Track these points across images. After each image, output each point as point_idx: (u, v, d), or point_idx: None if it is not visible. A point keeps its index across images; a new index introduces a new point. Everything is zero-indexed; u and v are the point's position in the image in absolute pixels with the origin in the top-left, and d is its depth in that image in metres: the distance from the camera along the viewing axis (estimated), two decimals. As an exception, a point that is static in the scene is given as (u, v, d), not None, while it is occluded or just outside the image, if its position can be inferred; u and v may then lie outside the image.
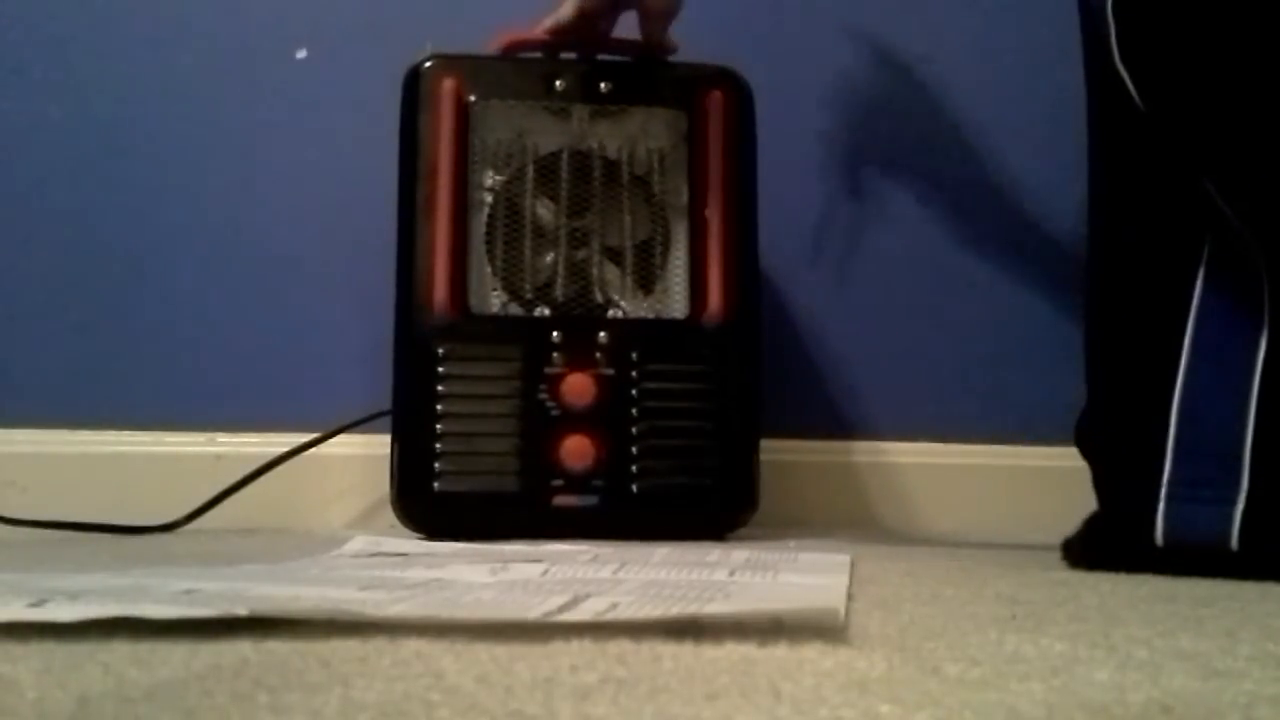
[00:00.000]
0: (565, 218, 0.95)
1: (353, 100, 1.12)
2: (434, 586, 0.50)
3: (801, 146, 1.17)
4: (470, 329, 0.92)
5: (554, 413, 0.91)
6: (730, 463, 0.93)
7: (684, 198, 0.96)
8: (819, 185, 1.17)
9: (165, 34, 1.13)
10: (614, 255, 0.96)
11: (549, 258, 0.95)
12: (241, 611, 0.39)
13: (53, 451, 1.07)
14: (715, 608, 0.42)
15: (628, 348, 0.92)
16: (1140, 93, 0.66)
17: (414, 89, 0.94)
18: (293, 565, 0.62)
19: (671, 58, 0.98)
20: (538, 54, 0.97)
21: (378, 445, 0.95)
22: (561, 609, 0.42)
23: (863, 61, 1.18)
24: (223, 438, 1.09)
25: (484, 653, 0.36)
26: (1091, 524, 0.72)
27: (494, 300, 0.94)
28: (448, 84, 0.94)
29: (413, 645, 0.37)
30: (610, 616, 0.40)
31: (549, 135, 0.96)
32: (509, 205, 0.95)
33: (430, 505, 0.90)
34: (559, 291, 0.94)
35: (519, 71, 0.96)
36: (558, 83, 0.96)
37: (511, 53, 0.97)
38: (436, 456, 0.89)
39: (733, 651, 0.37)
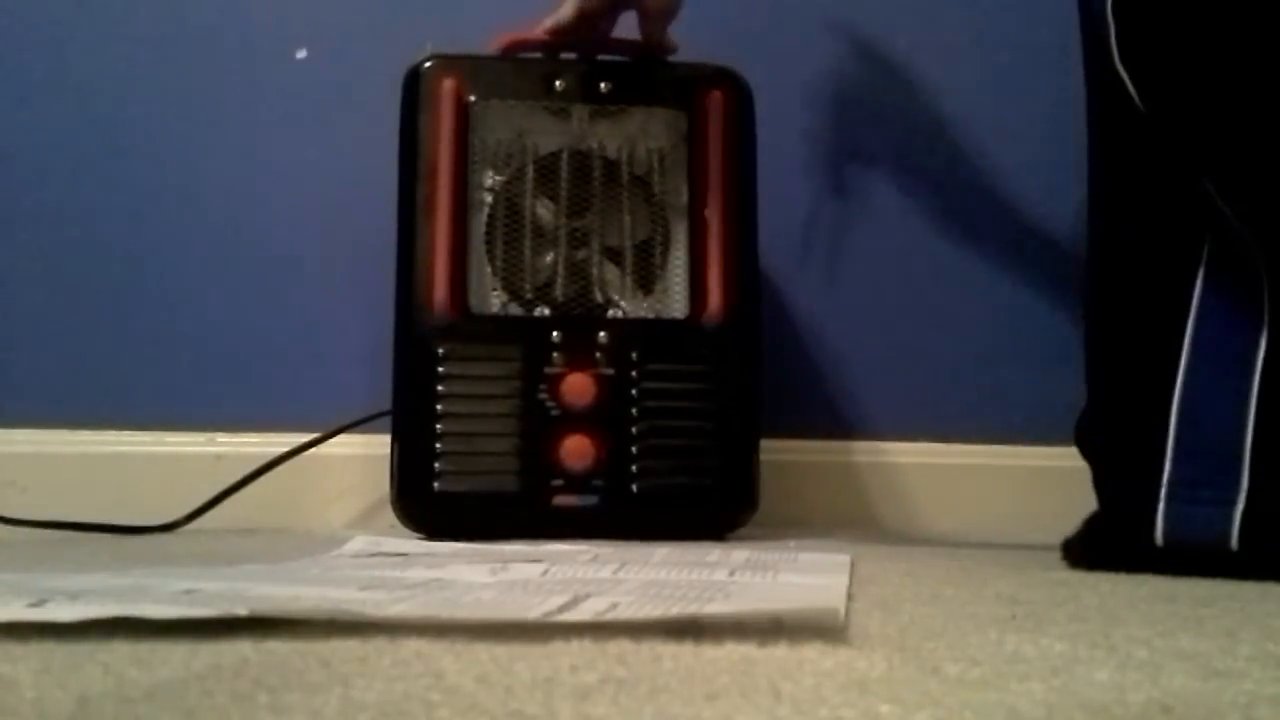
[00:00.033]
0: (565, 218, 0.95)
1: (353, 100, 1.12)
2: (434, 586, 0.50)
3: (802, 146, 1.17)
4: (470, 329, 0.92)
5: (554, 413, 0.91)
6: (730, 463, 0.93)
7: (684, 198, 0.96)
8: (818, 185, 1.17)
9: (165, 34, 1.13)
10: (614, 255, 0.96)
11: (549, 258, 0.95)
12: (241, 611, 0.39)
13: (53, 451, 1.07)
14: (715, 608, 0.42)
15: (628, 348, 0.92)
16: (1140, 93, 0.66)
17: (414, 89, 0.94)
18: (293, 565, 0.62)
19: (671, 58, 0.98)
20: (538, 54, 0.97)
21: (378, 445, 0.95)
22: (561, 609, 0.42)
23: (862, 62, 1.18)
24: (223, 438, 1.09)
25: (484, 653, 0.36)
26: (1091, 524, 0.72)
27: (494, 300, 0.94)
28: (448, 84, 0.94)
29: (413, 645, 0.37)
30: (610, 616, 0.40)
31: (549, 135, 0.96)
32: (509, 205, 0.95)
33: (430, 505, 0.90)
34: (559, 291, 0.94)
35: (519, 71, 0.96)
36: (558, 83, 0.96)
37: (511, 53, 0.97)
38: (436, 456, 0.89)
39: (733, 651, 0.37)
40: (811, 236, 1.17)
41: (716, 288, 0.94)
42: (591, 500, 0.90)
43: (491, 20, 0.97)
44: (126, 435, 1.09)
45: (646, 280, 0.96)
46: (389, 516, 0.92)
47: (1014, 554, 0.82)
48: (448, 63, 0.95)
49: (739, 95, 0.97)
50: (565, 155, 0.96)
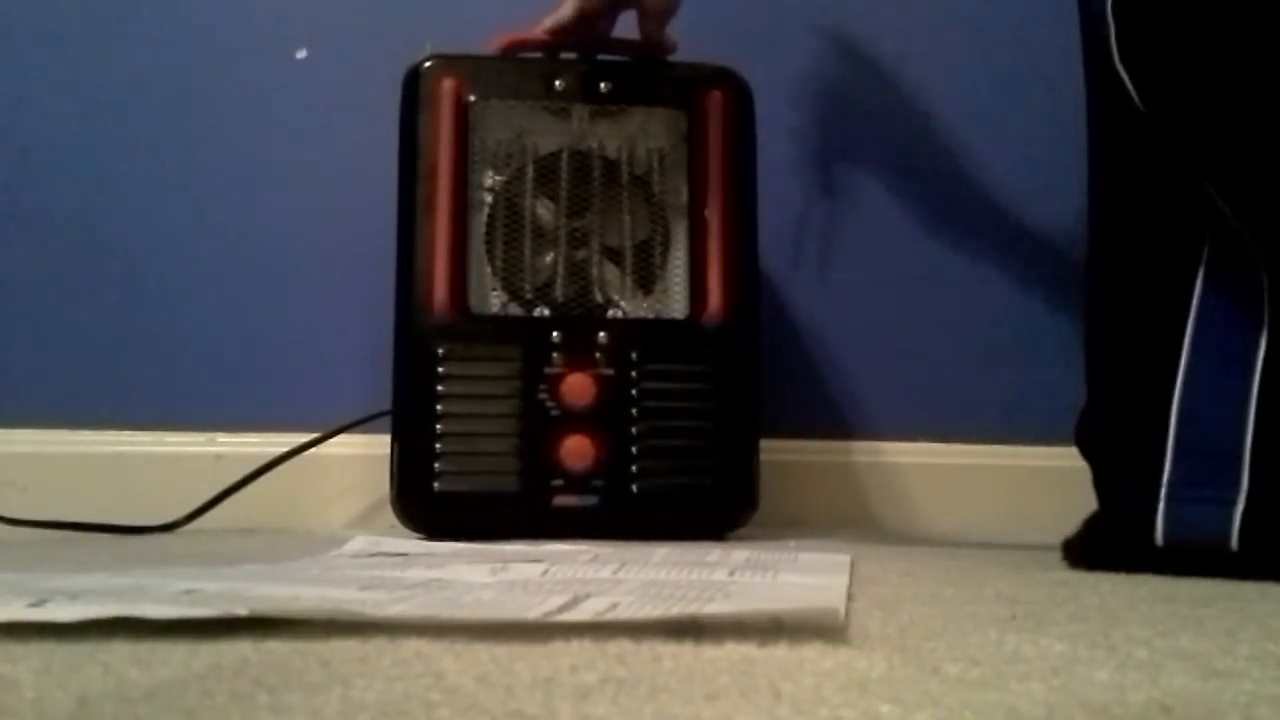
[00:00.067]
0: (565, 218, 0.95)
1: (353, 100, 1.12)
2: (434, 586, 0.50)
3: (802, 146, 1.17)
4: (470, 329, 0.92)
5: (554, 413, 0.91)
6: (730, 463, 0.93)
7: (684, 198, 0.96)
8: (818, 185, 1.17)
9: (165, 34, 1.13)
10: (614, 255, 0.96)
11: (549, 258, 0.95)
12: (241, 611, 0.39)
13: (53, 451, 1.07)
14: (715, 608, 0.42)
15: (628, 348, 0.92)
16: (1140, 93, 0.66)
17: (414, 89, 0.94)
18: (293, 565, 0.62)
19: (671, 57, 0.98)
20: (538, 54, 0.97)
21: (378, 445, 0.95)
22: (561, 609, 0.42)
23: (861, 61, 1.18)
24: (223, 438, 1.09)
25: (484, 653, 0.36)
26: (1091, 524, 0.72)
27: (494, 300, 0.94)
28: (447, 84, 0.94)
29: (413, 645, 0.37)
30: (610, 616, 0.40)
31: (549, 135, 0.96)
32: (509, 205, 0.95)
33: (430, 505, 0.90)
34: (559, 291, 0.94)
35: (519, 71, 0.96)
36: (557, 83, 0.96)
37: (511, 53, 0.97)
38: (436, 456, 0.89)
39: (733, 651, 0.37)
40: (808, 236, 1.17)
41: (716, 288, 0.94)
42: (591, 500, 0.90)
43: (491, 20, 0.97)
44: (126, 435, 1.09)
45: (646, 280, 0.96)
46: (389, 516, 0.92)
47: (1014, 554, 0.82)
48: (448, 63, 0.95)
49: (739, 95, 0.97)
50: (565, 155, 0.96)
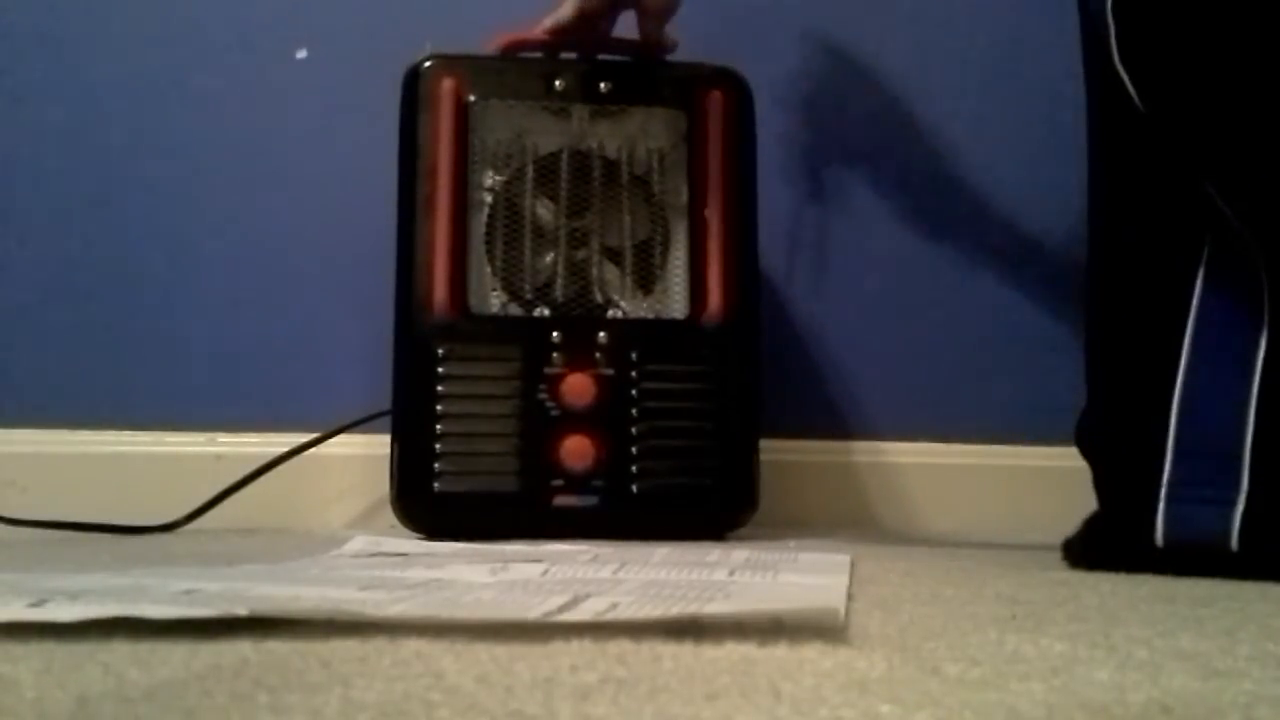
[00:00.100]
0: (565, 218, 0.95)
1: (353, 100, 1.12)
2: (434, 586, 0.50)
3: (802, 146, 1.17)
4: (470, 329, 0.92)
5: (554, 413, 0.91)
6: (730, 463, 0.93)
7: (684, 198, 0.96)
8: (817, 186, 1.17)
9: (165, 34, 1.13)
10: (614, 255, 0.96)
11: (549, 258, 0.95)
12: (241, 611, 0.39)
13: (53, 451, 1.07)
14: (715, 608, 0.42)
15: (627, 348, 0.92)
16: (1140, 94, 0.66)
17: (414, 89, 0.94)
18: (293, 565, 0.62)
19: (671, 57, 0.98)
20: (538, 54, 0.97)
21: (378, 445, 0.95)
22: (561, 609, 0.42)
23: (860, 61, 1.18)
24: (223, 438, 1.09)
25: (484, 653, 0.36)
26: (1091, 524, 0.72)
27: (494, 300, 0.94)
28: (447, 84, 0.94)
29: (413, 645, 0.37)
30: (610, 616, 0.40)
31: (549, 135, 0.96)
32: (509, 205, 0.95)
33: (430, 505, 0.90)
34: (559, 291, 0.94)
35: (519, 71, 0.96)
36: (557, 83, 0.96)
37: (511, 53, 0.97)
38: (436, 456, 0.89)
39: (733, 651, 0.37)
40: (807, 237, 1.17)
41: (716, 288, 0.94)
42: (591, 500, 0.90)
43: (491, 20, 0.97)
44: (126, 435, 1.09)
45: (646, 280, 0.96)
46: (389, 516, 0.92)
47: (1014, 554, 0.82)
48: (448, 63, 0.95)
49: (739, 95, 0.97)
50: (565, 155, 0.96)
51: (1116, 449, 0.71)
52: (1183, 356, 0.67)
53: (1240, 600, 0.55)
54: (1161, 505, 0.67)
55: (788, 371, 1.15)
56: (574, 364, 0.91)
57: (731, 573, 0.57)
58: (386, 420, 0.93)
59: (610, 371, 0.92)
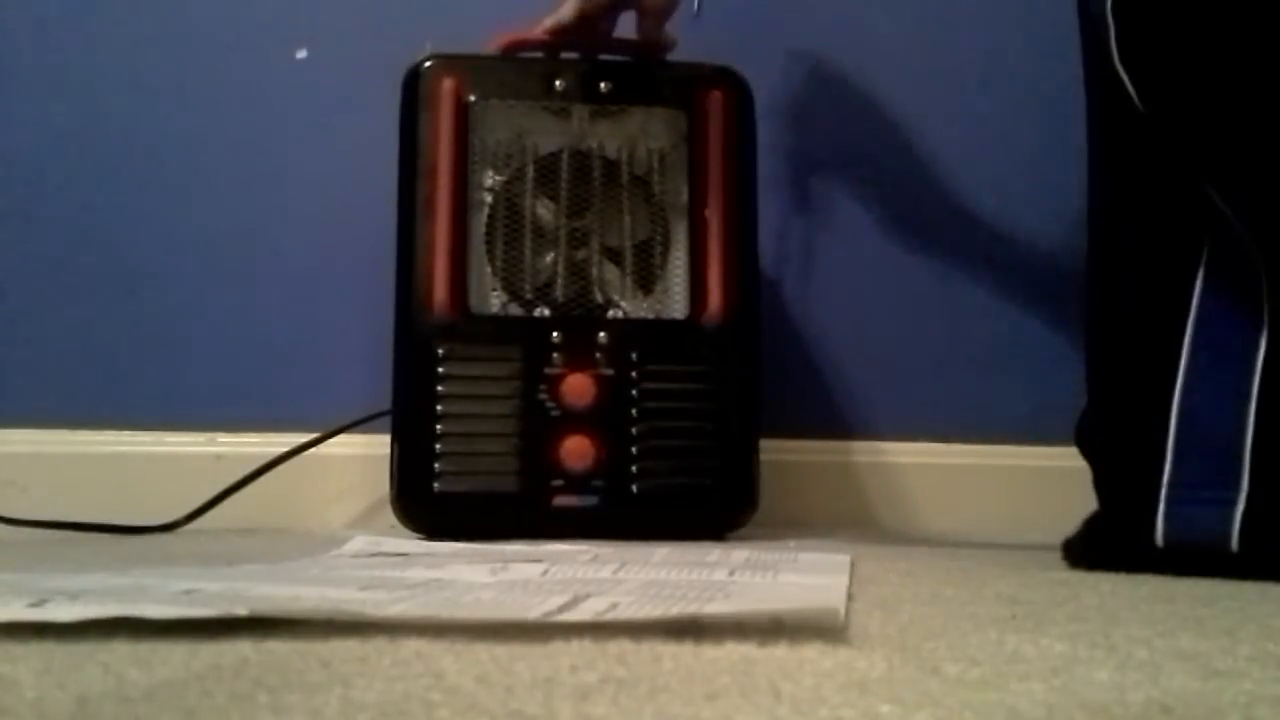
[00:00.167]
0: (565, 218, 0.95)
1: (353, 100, 1.12)
2: (434, 586, 0.50)
3: (802, 146, 1.17)
4: (470, 329, 0.92)
5: (554, 413, 0.91)
6: (730, 463, 0.93)
7: (684, 198, 0.96)
8: (816, 186, 1.17)
9: (165, 34, 1.13)
10: (614, 255, 0.96)
11: (549, 258, 0.95)
12: (241, 611, 0.39)
13: (53, 451, 1.07)
14: (715, 608, 0.42)
15: (628, 348, 0.92)
16: (1140, 95, 0.66)
17: (414, 89, 0.94)
18: (293, 565, 0.62)
19: (671, 57, 0.98)
20: (538, 54, 0.97)
21: (378, 445, 0.95)
22: (561, 609, 0.42)
23: (860, 62, 1.18)
24: (223, 438, 1.09)
25: (484, 653, 0.36)
26: (1091, 524, 0.72)
27: (494, 300, 0.94)
28: (447, 84, 0.94)
29: (413, 645, 0.37)
30: (610, 616, 0.40)
31: (549, 135, 0.96)
32: (509, 205, 0.95)
33: (430, 505, 0.90)
34: (559, 291, 0.94)
35: (519, 71, 0.96)
36: (557, 83, 0.96)
37: (511, 53, 0.97)
38: (436, 456, 0.89)
39: (733, 651, 0.37)
40: (806, 237, 1.17)
41: (716, 288, 0.94)
42: (591, 500, 0.90)
43: (491, 20, 0.97)
44: (126, 435, 1.09)
45: (646, 280, 0.96)
46: (389, 516, 0.92)
47: (1014, 554, 0.82)
48: (448, 63, 0.95)
49: (739, 95, 0.97)
50: (565, 155, 0.96)
51: (1116, 449, 0.71)
52: (1182, 357, 0.67)
53: (1240, 600, 0.55)
54: (1161, 505, 0.67)
55: (788, 371, 1.15)
56: (574, 364, 0.91)
57: (731, 573, 0.57)
58: (386, 420, 0.93)
59: (610, 372, 0.92)
